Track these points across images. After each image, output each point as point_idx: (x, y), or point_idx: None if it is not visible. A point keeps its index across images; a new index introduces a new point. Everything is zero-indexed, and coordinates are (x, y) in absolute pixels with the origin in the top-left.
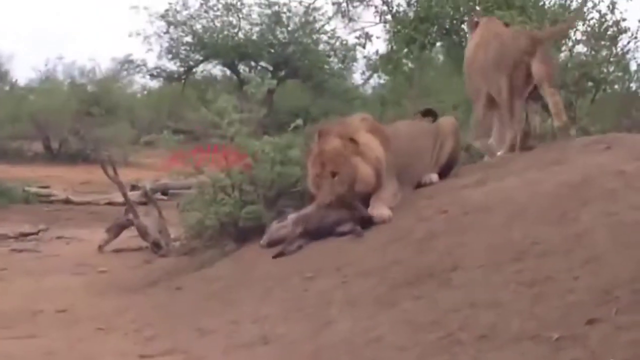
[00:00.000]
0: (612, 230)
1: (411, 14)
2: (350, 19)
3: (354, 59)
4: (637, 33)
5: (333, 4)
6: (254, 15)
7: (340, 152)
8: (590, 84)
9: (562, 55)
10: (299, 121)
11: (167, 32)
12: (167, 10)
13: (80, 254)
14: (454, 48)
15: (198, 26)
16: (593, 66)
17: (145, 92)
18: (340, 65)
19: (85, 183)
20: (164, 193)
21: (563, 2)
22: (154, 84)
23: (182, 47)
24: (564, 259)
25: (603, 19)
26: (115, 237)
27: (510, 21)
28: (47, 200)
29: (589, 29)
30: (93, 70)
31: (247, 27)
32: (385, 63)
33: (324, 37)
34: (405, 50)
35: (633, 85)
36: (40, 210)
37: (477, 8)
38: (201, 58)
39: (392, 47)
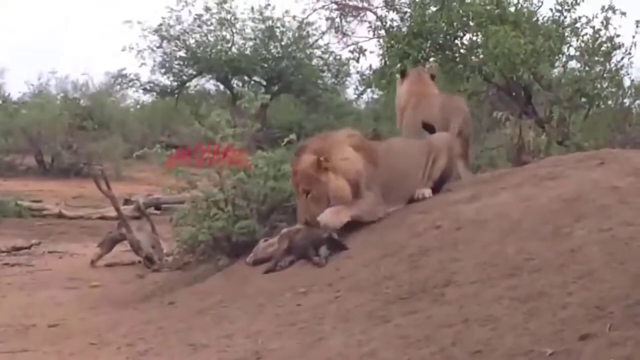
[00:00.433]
0: (605, 246)
1: (405, 29)
2: (344, 34)
3: (348, 74)
4: (630, 49)
5: (327, 19)
6: (248, 30)
7: (309, 171)
8: (583, 99)
9: (556, 71)
10: (293, 136)
11: (160, 46)
12: (160, 25)
13: (72, 268)
14: (447, 63)
15: (191, 41)
16: (587, 82)
17: (139, 107)
18: (333, 80)
19: (77, 197)
20: (157, 207)
21: (556, 17)
22: (147, 98)
23: (176, 62)
24: (557, 275)
25: (597, 35)
26: (108, 252)
27: (504, 36)
28: (39, 214)
29: (582, 44)
30: (86, 84)
31: (241, 41)
32: (379, 78)
33: (318, 52)
34: (399, 65)
35: (627, 101)
36: (33, 224)
37: (471, 23)
38: (194, 72)
39: (385, 62)
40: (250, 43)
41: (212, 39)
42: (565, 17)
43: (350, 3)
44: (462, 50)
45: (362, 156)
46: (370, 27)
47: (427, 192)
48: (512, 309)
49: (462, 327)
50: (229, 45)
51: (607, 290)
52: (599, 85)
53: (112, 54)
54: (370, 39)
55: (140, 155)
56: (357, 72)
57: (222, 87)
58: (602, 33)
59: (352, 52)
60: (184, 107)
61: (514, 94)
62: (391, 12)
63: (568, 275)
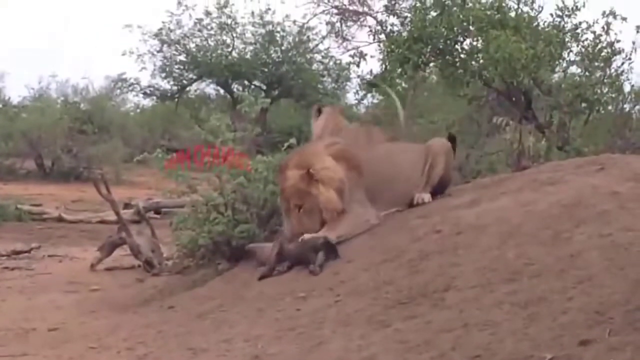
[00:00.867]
0: (605, 251)
1: (405, 34)
2: (344, 39)
3: (348, 79)
4: (631, 54)
5: (327, 23)
6: (248, 35)
7: (300, 186)
8: (584, 105)
9: (556, 76)
10: (293, 140)
11: (160, 50)
12: (160, 29)
13: (72, 272)
14: (447, 68)
15: (192, 45)
16: (587, 87)
17: (139, 111)
18: (333, 84)
19: (77, 201)
20: (157, 212)
21: (557, 22)
22: (147, 102)
23: (176, 66)
24: (557, 280)
25: (597, 40)
26: (108, 256)
27: (505, 41)
28: (39, 218)
29: (583, 50)
30: (86, 88)
31: (241, 46)
32: (380, 82)
33: (318, 57)
34: (399, 70)
35: (627, 107)
36: (33, 228)
37: (471, 28)
38: (195, 77)
39: (386, 66)
40: (251, 47)
41: (212, 43)
42: (566, 23)
43: (351, 8)
44: (462, 55)
45: (344, 165)
46: (371, 31)
47: (427, 197)
48: (512, 314)
49: (461, 331)
50: (229, 49)
51: (607, 296)
52: (599, 91)
53: (113, 58)
54: (371, 43)
55: (141, 160)
56: (358, 77)
57: (222, 91)
58: (602, 38)
59: (352, 56)
60: (184, 111)
61: (514, 99)
62: (391, 16)
63: (568, 281)
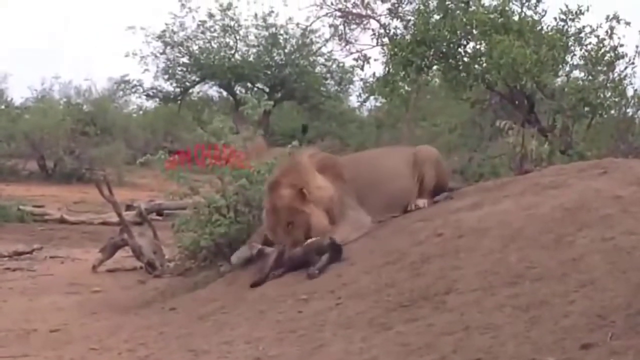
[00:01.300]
0: (607, 255)
1: (408, 37)
2: (347, 42)
3: (351, 82)
4: (634, 59)
5: (330, 26)
6: (251, 37)
7: (294, 205)
8: (587, 109)
9: (559, 80)
10: (295, 143)
11: (163, 52)
12: (163, 31)
13: (74, 273)
14: (450, 71)
15: (195, 47)
16: (590, 91)
17: (141, 112)
18: (336, 87)
19: (79, 202)
20: (159, 213)
21: (561, 27)
22: (150, 104)
23: (179, 68)
24: (559, 283)
25: (601, 44)
26: (110, 257)
27: (509, 46)
28: (41, 219)
29: (586, 54)
30: (89, 89)
31: (244, 48)
32: (382, 86)
33: (321, 60)
34: (402, 73)
35: (629, 111)
36: (35, 229)
37: (474, 32)
38: (197, 79)
39: (389, 69)
40: (254, 50)
41: (215, 46)
42: (570, 27)
43: (354, 11)
44: (465, 59)
45: (329, 176)
46: (374, 34)
47: (421, 202)
48: (513, 317)
49: (463, 334)
50: (232, 51)
51: (609, 300)
52: (602, 95)
53: (116, 59)
54: (374, 46)
55: (144, 162)
56: (361, 80)
57: (225, 93)
58: (606, 42)
59: (356, 59)
60: (186, 113)
61: (517, 102)
62: (395, 20)
63: (570, 284)
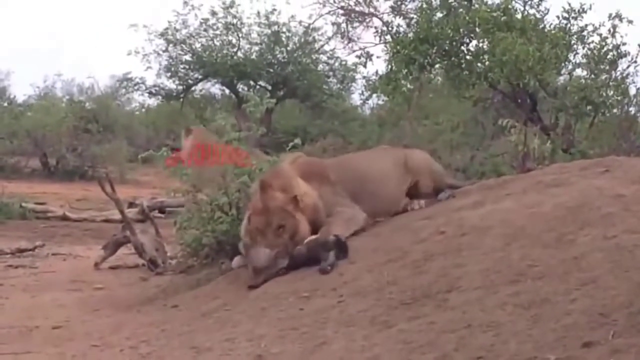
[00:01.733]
0: (609, 253)
1: (411, 35)
2: (350, 40)
3: (353, 80)
4: (636, 57)
5: (333, 24)
6: (254, 35)
7: (287, 208)
8: (589, 107)
9: (562, 78)
10: (297, 140)
11: (166, 50)
12: (166, 29)
13: (76, 270)
14: (453, 69)
15: (197, 45)
16: (592, 90)
17: (144, 110)
18: (339, 85)
19: (82, 200)
20: (161, 211)
21: (563, 25)
22: (153, 101)
23: (181, 66)
24: (561, 282)
25: (603, 43)
26: (112, 254)
27: (512, 43)
28: (43, 216)
29: (589, 52)
30: (91, 87)
31: (247, 46)
32: (385, 83)
33: (323, 57)
34: (405, 71)
35: (632, 109)
36: (37, 226)
37: (477, 30)
38: (200, 77)
39: (391, 67)
40: (256, 48)
41: (218, 43)
42: (572, 25)
43: (357, 8)
44: (468, 57)
45: (314, 182)
46: (377, 32)
47: (417, 204)
48: (515, 315)
49: (465, 332)
50: (235, 49)
51: (611, 298)
52: (604, 93)
53: (118, 57)
54: (376, 44)
55: (146, 158)
56: (363, 78)
57: (227, 91)
58: (608, 41)
59: (359, 57)
60: (189, 111)
61: (519, 101)
62: (397, 17)
63: (572, 283)
